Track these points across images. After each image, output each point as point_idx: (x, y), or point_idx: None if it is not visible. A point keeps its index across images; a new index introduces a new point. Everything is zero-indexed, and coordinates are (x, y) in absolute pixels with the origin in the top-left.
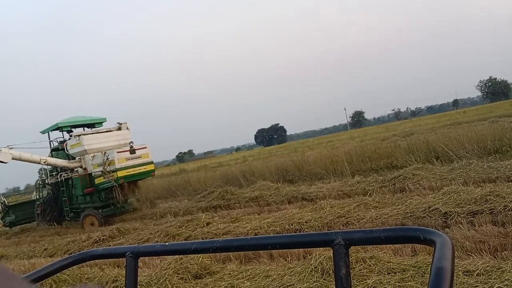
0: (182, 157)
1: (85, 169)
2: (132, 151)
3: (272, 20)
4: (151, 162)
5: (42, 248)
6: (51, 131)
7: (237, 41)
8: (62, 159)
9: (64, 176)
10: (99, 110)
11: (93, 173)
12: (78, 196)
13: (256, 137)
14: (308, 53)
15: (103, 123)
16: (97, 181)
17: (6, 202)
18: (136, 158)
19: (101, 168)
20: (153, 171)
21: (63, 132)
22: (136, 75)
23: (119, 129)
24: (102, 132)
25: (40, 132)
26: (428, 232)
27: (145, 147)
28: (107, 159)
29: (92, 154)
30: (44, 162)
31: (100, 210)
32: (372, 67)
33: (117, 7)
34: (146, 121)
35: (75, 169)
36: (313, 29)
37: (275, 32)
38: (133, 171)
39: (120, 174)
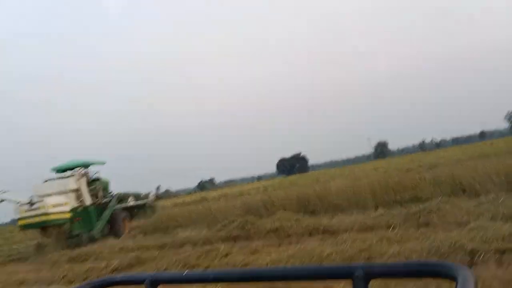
0: (203, 185)
1: None
2: (32, 204)
3: (296, 41)
4: (48, 213)
5: (61, 275)
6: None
7: (252, 63)
8: None
9: None
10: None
11: None
12: None
13: (277, 166)
14: (331, 81)
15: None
16: None
17: None
18: (35, 209)
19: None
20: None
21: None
22: (152, 101)
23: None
24: (47, 181)
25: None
26: (450, 266)
27: (42, 201)
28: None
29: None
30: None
31: None
32: (397, 97)
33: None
34: (168, 146)
35: None
36: (338, 56)
37: (298, 57)
38: (31, 221)
39: (20, 222)
